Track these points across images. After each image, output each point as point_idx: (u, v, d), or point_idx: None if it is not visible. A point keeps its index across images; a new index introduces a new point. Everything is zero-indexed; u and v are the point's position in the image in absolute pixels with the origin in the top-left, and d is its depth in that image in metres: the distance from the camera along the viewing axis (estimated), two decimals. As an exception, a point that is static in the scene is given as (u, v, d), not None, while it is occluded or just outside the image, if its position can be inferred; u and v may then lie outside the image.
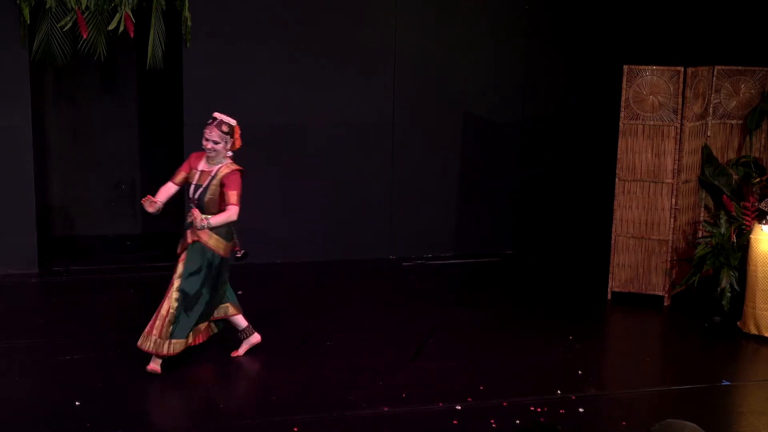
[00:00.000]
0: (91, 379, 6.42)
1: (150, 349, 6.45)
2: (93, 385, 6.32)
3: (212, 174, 6.55)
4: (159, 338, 6.45)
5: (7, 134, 8.67)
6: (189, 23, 8.76)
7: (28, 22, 8.45)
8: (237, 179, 6.56)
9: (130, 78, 10.18)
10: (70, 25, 8.48)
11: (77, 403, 6.03)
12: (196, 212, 6.47)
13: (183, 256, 6.60)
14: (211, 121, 6.58)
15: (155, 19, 8.67)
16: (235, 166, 6.60)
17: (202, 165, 6.62)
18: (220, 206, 6.53)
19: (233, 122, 6.63)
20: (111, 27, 8.49)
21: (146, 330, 6.49)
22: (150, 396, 6.28)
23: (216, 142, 6.52)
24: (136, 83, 10.21)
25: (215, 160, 6.58)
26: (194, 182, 6.58)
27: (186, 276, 6.51)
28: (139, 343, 6.51)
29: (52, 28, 8.53)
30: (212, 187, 6.53)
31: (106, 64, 9.80)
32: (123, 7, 8.44)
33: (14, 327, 7.44)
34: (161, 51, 8.78)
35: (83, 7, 8.38)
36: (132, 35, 8.59)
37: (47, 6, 8.35)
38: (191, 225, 6.53)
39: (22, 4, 8.33)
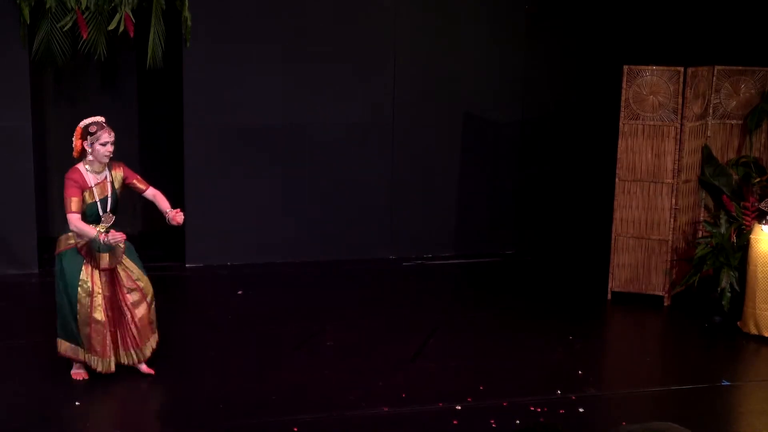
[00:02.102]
0: (91, 379, 6.41)
1: (145, 357, 6.47)
2: (93, 385, 6.32)
3: (110, 180, 6.30)
4: (149, 339, 6.48)
5: (7, 134, 8.67)
6: (189, 23, 8.76)
7: (28, 22, 8.45)
8: (127, 167, 6.45)
9: (130, 78, 10.17)
10: (70, 25, 8.48)
11: (77, 403, 6.04)
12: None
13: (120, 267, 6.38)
14: (103, 122, 6.23)
15: (155, 19, 8.67)
16: (115, 160, 6.38)
17: (91, 179, 6.23)
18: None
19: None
20: (111, 27, 8.49)
21: (120, 347, 6.41)
22: (150, 396, 6.28)
23: (113, 144, 6.26)
24: (136, 83, 10.21)
25: (105, 164, 6.28)
26: (97, 199, 6.24)
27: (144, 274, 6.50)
28: (113, 363, 6.39)
29: (52, 28, 8.53)
30: (118, 192, 6.34)
31: (106, 64, 9.80)
32: (123, 7, 8.45)
33: (14, 327, 7.44)
34: (161, 51, 8.78)
35: (83, 7, 8.38)
36: (132, 35, 8.60)
37: (47, 6, 8.35)
38: (111, 248, 6.27)
39: (22, 4, 8.34)
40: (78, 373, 6.42)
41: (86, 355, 6.33)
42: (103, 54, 8.68)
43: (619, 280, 8.45)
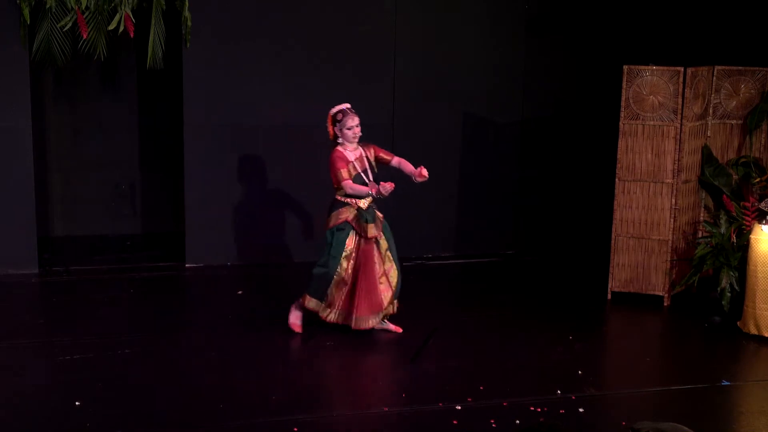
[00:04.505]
0: (91, 379, 6.42)
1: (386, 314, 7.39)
2: (93, 385, 6.32)
3: (364, 155, 7.29)
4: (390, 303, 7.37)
5: (8, 134, 8.67)
6: (189, 23, 8.76)
7: (28, 22, 8.45)
8: (377, 147, 7.46)
9: (130, 78, 10.18)
10: (70, 25, 8.48)
11: (77, 403, 6.04)
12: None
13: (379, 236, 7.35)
14: (348, 109, 7.22)
15: (155, 19, 8.67)
16: (364, 142, 7.41)
17: (350, 155, 7.23)
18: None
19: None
20: (111, 27, 8.49)
21: (373, 309, 7.25)
22: (150, 396, 6.28)
23: (359, 126, 7.24)
24: (136, 83, 10.22)
25: (356, 143, 7.28)
26: (360, 170, 7.23)
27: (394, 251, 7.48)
28: (364, 325, 7.22)
29: (52, 28, 8.53)
30: (373, 164, 7.32)
31: (106, 64, 9.81)
32: (123, 7, 8.45)
33: (14, 327, 7.44)
34: (161, 51, 8.78)
35: (83, 7, 8.38)
36: (132, 35, 8.60)
37: (47, 6, 8.35)
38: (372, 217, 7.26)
39: (22, 4, 8.34)
40: (296, 324, 7.35)
41: (325, 310, 7.24)
42: (103, 54, 8.68)
43: (619, 280, 8.45)
